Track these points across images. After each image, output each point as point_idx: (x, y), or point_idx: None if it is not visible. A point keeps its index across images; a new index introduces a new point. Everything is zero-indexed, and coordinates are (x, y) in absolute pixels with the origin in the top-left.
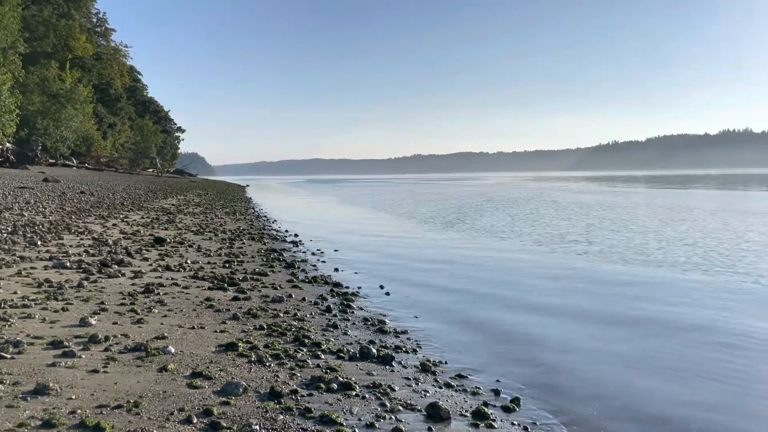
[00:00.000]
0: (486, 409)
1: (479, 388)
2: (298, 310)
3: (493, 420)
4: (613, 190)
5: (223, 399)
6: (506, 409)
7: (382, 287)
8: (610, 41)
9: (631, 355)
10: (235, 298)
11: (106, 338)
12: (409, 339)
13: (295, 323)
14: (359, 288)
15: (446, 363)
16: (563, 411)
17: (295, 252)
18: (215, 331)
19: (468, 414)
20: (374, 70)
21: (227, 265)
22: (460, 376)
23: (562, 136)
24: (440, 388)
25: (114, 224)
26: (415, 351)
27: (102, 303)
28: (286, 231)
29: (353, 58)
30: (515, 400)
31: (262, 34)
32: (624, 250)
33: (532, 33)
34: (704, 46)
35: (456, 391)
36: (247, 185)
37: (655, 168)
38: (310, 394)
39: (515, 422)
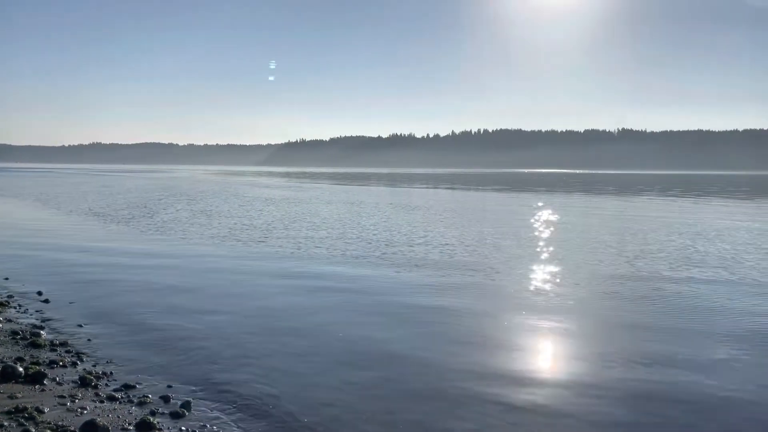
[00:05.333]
0: (152, 419)
1: (148, 397)
2: None
3: (160, 429)
4: (299, 186)
5: None
6: (176, 416)
7: (40, 293)
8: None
9: (299, 348)
10: None
11: None
12: (68, 351)
13: None
14: (9, 297)
15: (112, 374)
16: (236, 409)
17: None
18: None
19: (131, 427)
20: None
21: None
22: (127, 386)
23: (253, 132)
24: (102, 402)
25: None
26: (75, 364)
27: None
28: None
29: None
30: (185, 405)
31: None
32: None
33: (191, 27)
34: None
35: (121, 403)
36: None
37: (339, 165)
38: None
39: (184, 428)
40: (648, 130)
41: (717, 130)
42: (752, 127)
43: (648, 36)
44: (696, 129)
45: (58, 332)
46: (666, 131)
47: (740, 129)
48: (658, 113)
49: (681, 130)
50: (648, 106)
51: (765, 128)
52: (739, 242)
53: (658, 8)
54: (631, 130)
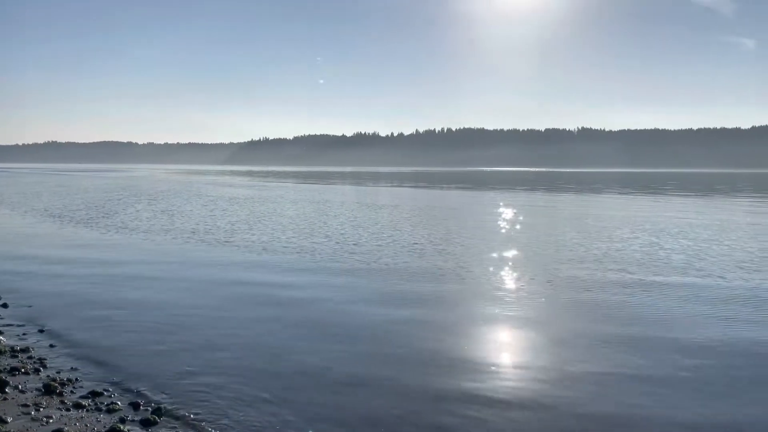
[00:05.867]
0: (122, 426)
1: (116, 404)
2: None
3: None
4: (263, 185)
5: None
6: (147, 423)
7: None
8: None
9: (271, 353)
10: None
11: None
12: (30, 358)
13: None
14: None
15: (77, 380)
16: (209, 414)
17: None
18: None
19: None
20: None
21: None
22: (94, 393)
23: (215, 130)
24: (68, 410)
25: None
26: (37, 371)
27: None
28: None
29: None
30: (157, 411)
31: None
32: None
33: (177, 25)
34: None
35: (88, 411)
36: None
37: (303, 164)
38: None
39: None
40: (607, 129)
41: (673, 129)
42: (706, 126)
43: (608, 37)
44: (653, 128)
45: (18, 338)
46: (624, 130)
47: (695, 128)
48: (617, 112)
49: (639, 129)
50: (607, 105)
51: (718, 127)
52: (701, 238)
53: (617, 10)
54: (591, 129)
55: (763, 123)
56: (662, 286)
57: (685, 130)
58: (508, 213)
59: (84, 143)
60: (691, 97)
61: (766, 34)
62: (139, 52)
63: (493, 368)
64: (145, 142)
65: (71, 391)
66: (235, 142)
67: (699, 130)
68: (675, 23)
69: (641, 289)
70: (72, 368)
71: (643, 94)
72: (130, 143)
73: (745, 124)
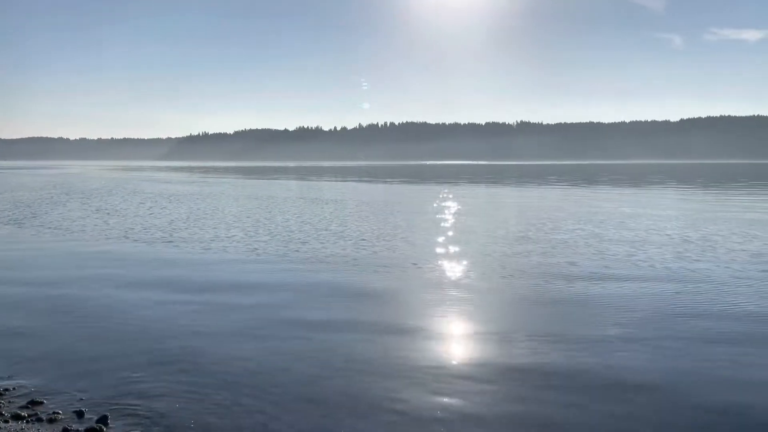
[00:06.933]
0: None
1: (59, 413)
2: None
3: None
4: (204, 181)
5: None
6: None
7: None
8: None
9: (215, 357)
10: None
11: None
12: None
13: None
14: None
15: (15, 389)
16: (156, 421)
17: None
18: None
19: None
20: None
21: None
22: (34, 403)
23: (152, 125)
24: (6, 422)
25: None
26: None
27: None
28: None
29: None
30: (102, 419)
31: None
32: (210, 240)
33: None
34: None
35: (28, 422)
36: None
37: (245, 159)
38: None
39: None
40: (544, 123)
41: (607, 122)
42: (638, 119)
43: (545, 34)
44: (588, 121)
45: None
46: (561, 123)
47: (627, 121)
48: (554, 107)
49: (574, 122)
50: (544, 100)
51: (649, 120)
52: (641, 228)
53: (555, 7)
54: (529, 123)
55: (692, 115)
56: (607, 278)
57: (618, 123)
58: (452, 206)
59: (10, 139)
60: (624, 91)
61: (693, 30)
62: (68, 45)
63: (434, 365)
64: (77, 138)
65: (9, 402)
66: (173, 137)
67: (631, 122)
68: (609, 20)
69: (588, 280)
70: (8, 377)
71: (579, 89)
72: (61, 139)
73: (674, 117)
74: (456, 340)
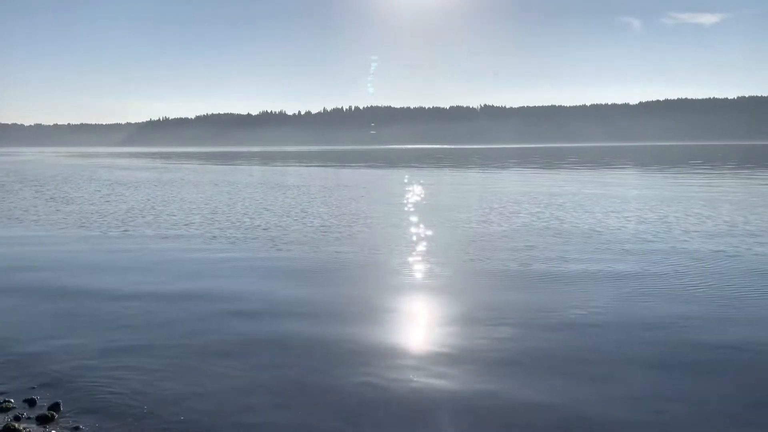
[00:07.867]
0: (17, 425)
1: (10, 401)
2: None
3: None
4: (164, 167)
5: None
6: (44, 419)
7: None
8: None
9: (176, 342)
10: None
11: None
12: None
13: None
14: None
15: None
16: (110, 408)
17: None
18: None
19: None
20: None
21: None
22: None
23: (110, 110)
24: None
25: None
26: None
27: None
28: None
29: None
30: (54, 407)
31: None
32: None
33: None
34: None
35: None
36: None
37: (207, 144)
38: None
39: (54, 431)
40: (508, 106)
41: (568, 106)
42: (598, 102)
43: (507, 19)
44: (549, 104)
45: None
46: (524, 107)
47: (588, 104)
48: (517, 91)
49: (537, 105)
50: (507, 84)
51: (609, 103)
52: (604, 210)
53: None
54: (492, 107)
55: (650, 98)
56: (566, 260)
57: (579, 106)
58: (417, 190)
59: None
60: (584, 75)
61: (651, 14)
62: (20, 27)
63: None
64: (32, 124)
65: None
66: (132, 122)
67: (591, 106)
68: (571, 5)
69: (546, 262)
70: None
71: (541, 73)
72: (15, 125)
73: (633, 100)
74: (415, 324)
